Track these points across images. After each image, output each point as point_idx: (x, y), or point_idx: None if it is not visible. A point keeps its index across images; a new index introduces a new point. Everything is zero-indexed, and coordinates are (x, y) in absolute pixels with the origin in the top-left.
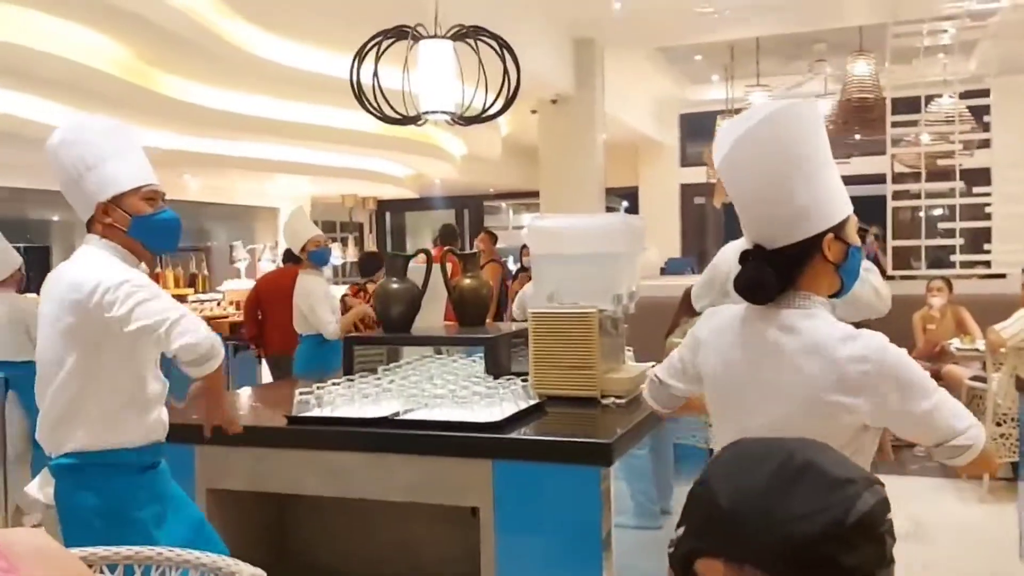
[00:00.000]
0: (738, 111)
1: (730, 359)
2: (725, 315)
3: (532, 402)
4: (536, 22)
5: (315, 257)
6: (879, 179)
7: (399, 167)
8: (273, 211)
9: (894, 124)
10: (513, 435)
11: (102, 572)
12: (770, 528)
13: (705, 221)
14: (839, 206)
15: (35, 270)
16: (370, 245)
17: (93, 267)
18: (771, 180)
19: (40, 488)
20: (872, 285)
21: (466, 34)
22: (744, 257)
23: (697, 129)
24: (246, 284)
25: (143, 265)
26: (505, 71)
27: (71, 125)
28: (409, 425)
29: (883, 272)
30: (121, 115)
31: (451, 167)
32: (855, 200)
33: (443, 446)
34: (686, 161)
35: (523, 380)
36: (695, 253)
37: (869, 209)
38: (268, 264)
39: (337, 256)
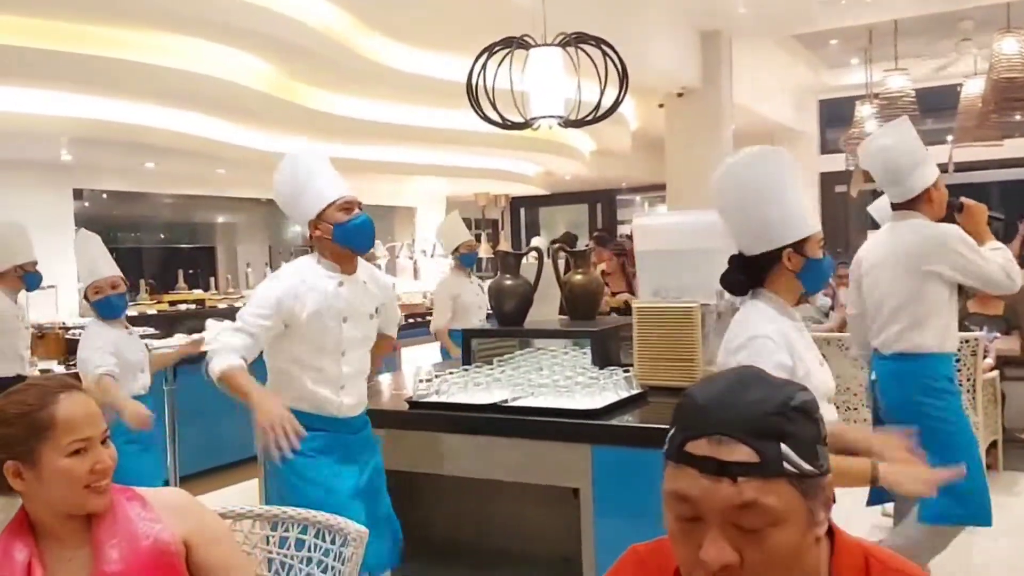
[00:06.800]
0: (877, 96)
1: None
2: None
3: (634, 391)
4: (661, 18)
5: (464, 260)
6: None
7: (529, 165)
8: (411, 210)
9: None
10: (610, 422)
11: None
12: (736, 410)
13: (848, 210)
14: (799, 227)
15: (202, 267)
16: (504, 241)
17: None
18: (744, 205)
19: None
20: (999, 264)
21: (569, 42)
22: (730, 260)
23: (836, 115)
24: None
25: (362, 263)
26: (607, 73)
27: (281, 166)
28: (514, 411)
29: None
30: (269, 127)
31: (580, 164)
32: (1009, 184)
33: (545, 431)
34: (826, 148)
35: (626, 371)
36: (840, 244)
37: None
38: (406, 261)
39: None
